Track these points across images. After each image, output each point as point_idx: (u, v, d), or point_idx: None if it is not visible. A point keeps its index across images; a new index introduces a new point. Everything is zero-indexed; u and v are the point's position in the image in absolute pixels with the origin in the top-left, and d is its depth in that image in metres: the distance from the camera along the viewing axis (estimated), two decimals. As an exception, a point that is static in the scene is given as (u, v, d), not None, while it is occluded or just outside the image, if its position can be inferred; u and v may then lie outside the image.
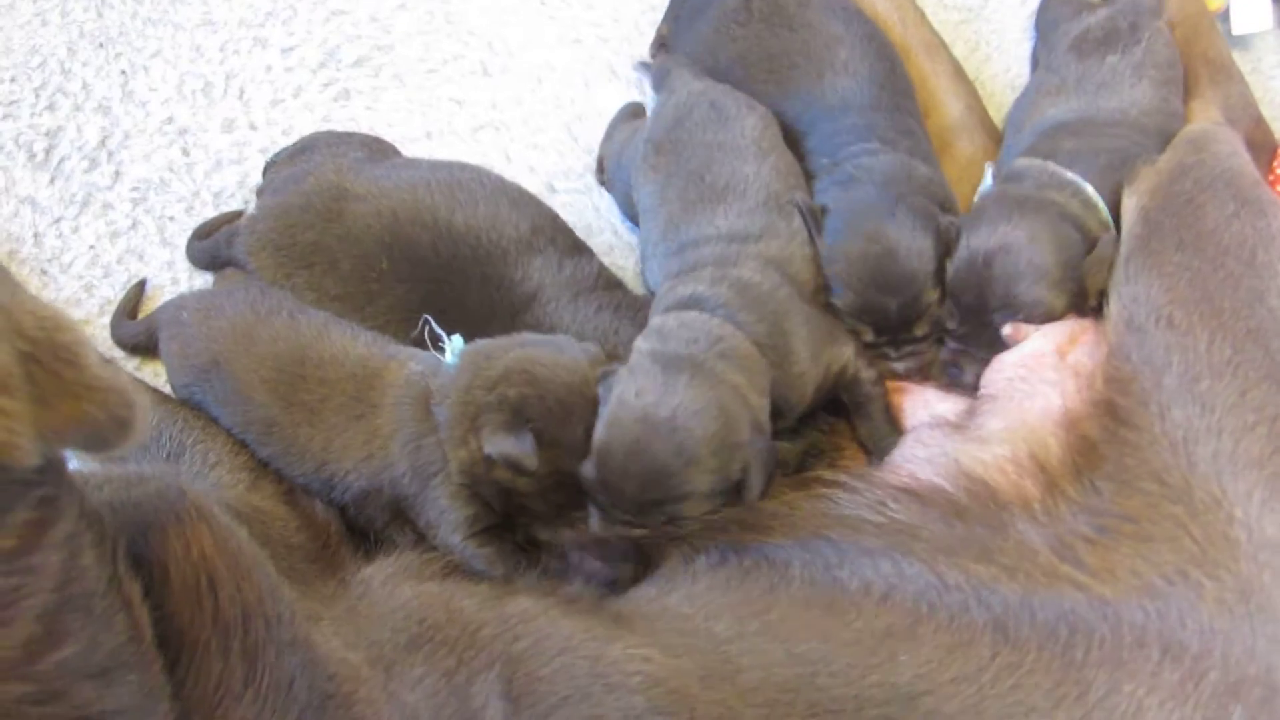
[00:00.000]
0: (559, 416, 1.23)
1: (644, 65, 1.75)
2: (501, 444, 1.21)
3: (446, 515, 1.25)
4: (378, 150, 1.61)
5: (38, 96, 1.69)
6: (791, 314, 1.32)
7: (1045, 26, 1.69)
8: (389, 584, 1.16)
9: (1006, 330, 1.34)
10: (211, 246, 1.57)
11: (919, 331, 1.39)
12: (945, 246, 1.38)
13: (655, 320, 1.31)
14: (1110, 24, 1.57)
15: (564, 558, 1.26)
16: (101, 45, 1.74)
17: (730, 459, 1.19)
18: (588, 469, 1.21)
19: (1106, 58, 1.53)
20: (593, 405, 1.24)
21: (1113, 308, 1.30)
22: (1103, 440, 1.20)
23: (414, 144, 1.69)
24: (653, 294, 1.42)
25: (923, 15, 1.73)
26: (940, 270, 1.37)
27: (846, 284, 1.37)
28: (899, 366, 1.41)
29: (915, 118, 1.55)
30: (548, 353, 1.27)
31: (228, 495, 1.30)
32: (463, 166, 1.55)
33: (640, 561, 1.24)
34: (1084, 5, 1.65)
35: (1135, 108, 1.48)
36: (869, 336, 1.39)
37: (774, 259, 1.35)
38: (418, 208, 1.47)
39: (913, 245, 1.36)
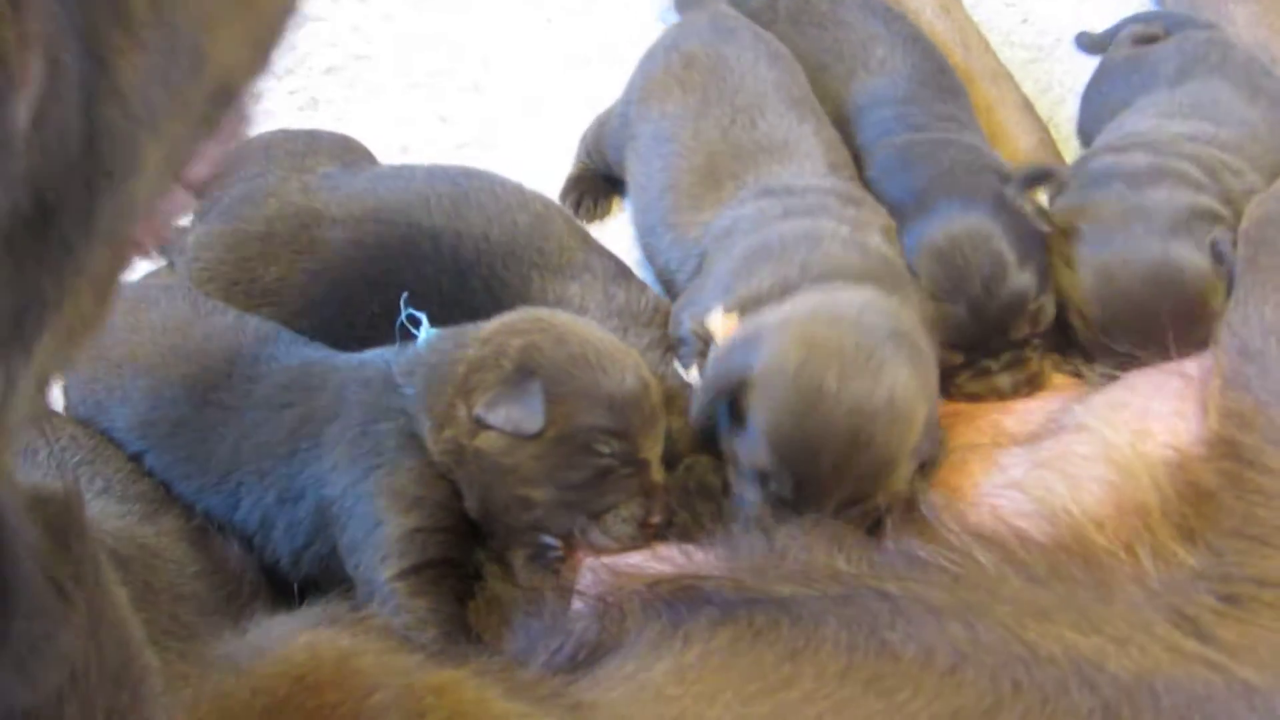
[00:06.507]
0: (578, 364, 0.99)
1: None
2: (499, 401, 0.97)
3: (380, 531, 0.98)
4: (349, 156, 1.35)
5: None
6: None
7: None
8: (288, 635, 0.91)
9: None
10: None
11: (1017, 334, 1.14)
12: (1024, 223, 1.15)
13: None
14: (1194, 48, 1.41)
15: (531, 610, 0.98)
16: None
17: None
18: (753, 453, 0.97)
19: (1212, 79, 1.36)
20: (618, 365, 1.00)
21: (1223, 336, 1.08)
22: (1223, 488, 0.97)
23: (385, 160, 1.44)
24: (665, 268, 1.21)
25: (987, 42, 1.57)
26: (1025, 254, 1.14)
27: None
28: (1003, 383, 1.15)
29: (963, 109, 1.35)
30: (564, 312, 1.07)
31: (111, 527, 1.06)
32: (468, 173, 1.28)
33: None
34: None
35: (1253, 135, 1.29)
36: (958, 359, 1.14)
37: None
38: (413, 234, 1.21)
39: (979, 231, 1.13)
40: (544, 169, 1.48)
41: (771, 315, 1.02)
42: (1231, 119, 1.29)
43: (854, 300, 1.02)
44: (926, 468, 1.02)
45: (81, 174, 0.51)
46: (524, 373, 0.98)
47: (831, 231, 1.11)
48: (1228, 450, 0.99)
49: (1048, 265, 1.16)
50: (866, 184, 1.27)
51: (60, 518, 0.69)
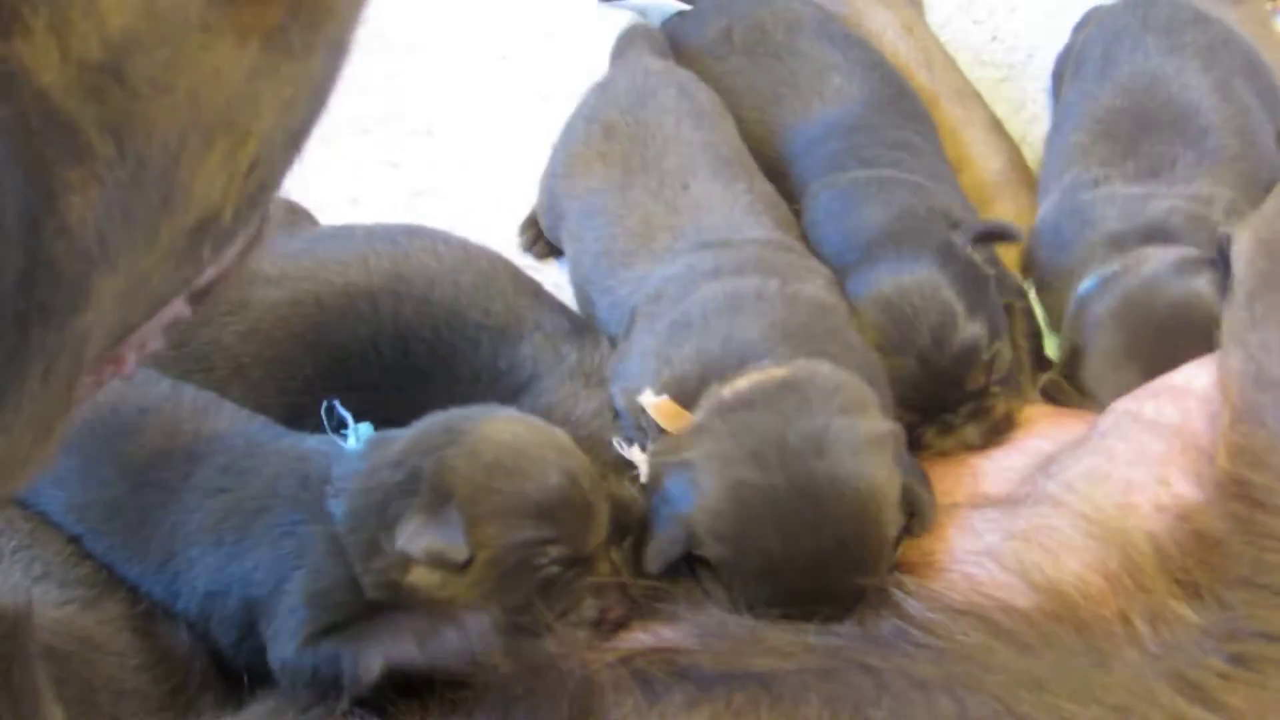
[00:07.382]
0: (495, 476, 0.91)
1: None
2: (418, 535, 0.89)
3: (291, 618, 0.92)
4: (290, 218, 1.30)
5: None
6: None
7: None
8: None
9: None
10: None
11: (973, 385, 1.08)
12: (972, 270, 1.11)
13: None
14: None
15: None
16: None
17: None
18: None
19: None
20: (551, 466, 0.92)
21: (1234, 362, 1.00)
22: (1231, 533, 0.90)
23: (335, 211, 1.40)
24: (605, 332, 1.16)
25: (953, 61, 1.53)
26: (975, 303, 1.09)
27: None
28: (970, 435, 1.10)
29: (922, 135, 1.31)
30: (480, 408, 0.98)
31: (50, 617, 0.99)
32: (412, 232, 1.22)
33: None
34: None
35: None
36: (914, 418, 1.08)
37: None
38: (350, 293, 1.15)
39: (926, 283, 1.08)
40: (502, 214, 1.43)
41: (696, 447, 0.96)
42: (1178, 105, 1.27)
43: (778, 414, 0.95)
44: (907, 532, 0.96)
45: (13, 310, 0.46)
46: (440, 497, 0.90)
47: (757, 290, 1.04)
48: (1238, 491, 0.92)
49: (1001, 311, 1.12)
50: (805, 229, 1.22)
51: (5, 644, 0.64)
